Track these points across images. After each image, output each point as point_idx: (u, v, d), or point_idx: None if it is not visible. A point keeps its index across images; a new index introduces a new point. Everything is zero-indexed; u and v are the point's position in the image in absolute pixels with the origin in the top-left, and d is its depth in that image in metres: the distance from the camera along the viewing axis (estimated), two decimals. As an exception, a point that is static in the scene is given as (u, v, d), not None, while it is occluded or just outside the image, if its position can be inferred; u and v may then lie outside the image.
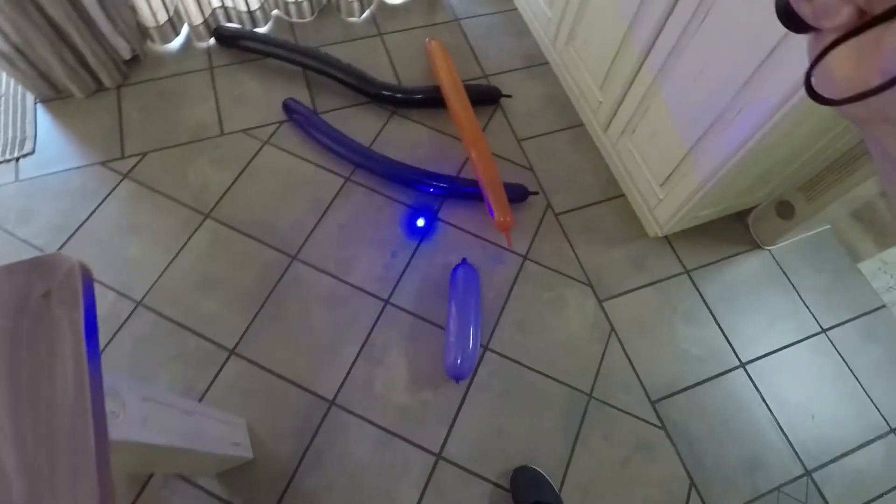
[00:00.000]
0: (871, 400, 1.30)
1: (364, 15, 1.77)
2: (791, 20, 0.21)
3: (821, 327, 1.37)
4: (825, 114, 1.02)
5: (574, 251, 1.42)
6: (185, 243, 1.34)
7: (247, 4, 1.59)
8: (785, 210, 1.37)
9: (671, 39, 1.14)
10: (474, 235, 1.42)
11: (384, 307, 1.32)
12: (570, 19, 1.51)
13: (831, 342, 1.36)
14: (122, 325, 1.23)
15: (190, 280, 1.30)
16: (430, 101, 1.57)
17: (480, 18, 1.84)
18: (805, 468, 1.21)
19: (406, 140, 1.55)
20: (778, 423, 1.25)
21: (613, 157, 1.52)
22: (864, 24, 0.18)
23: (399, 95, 1.57)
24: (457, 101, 1.51)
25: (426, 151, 1.54)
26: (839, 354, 1.34)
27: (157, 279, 1.29)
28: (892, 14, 0.17)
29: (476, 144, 1.45)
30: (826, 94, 0.21)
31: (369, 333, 1.28)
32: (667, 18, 1.15)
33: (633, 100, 1.34)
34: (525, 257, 1.41)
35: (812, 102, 0.22)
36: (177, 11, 1.55)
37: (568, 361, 1.28)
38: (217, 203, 1.40)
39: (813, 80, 0.21)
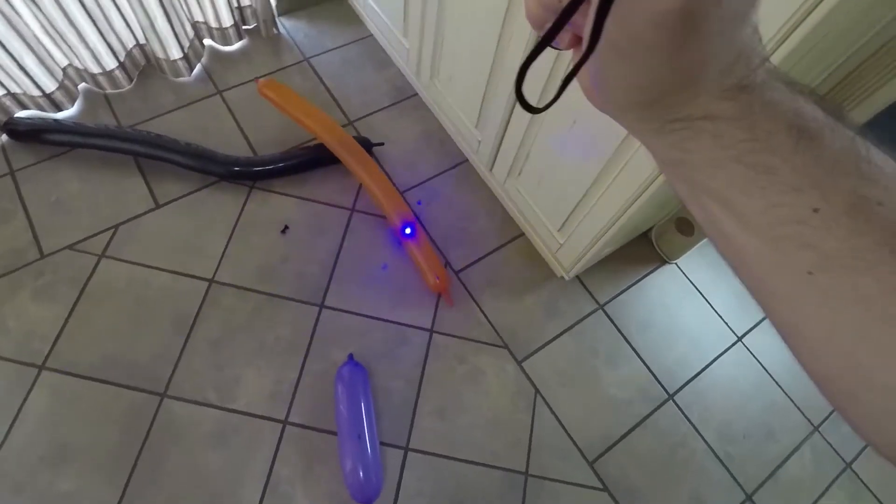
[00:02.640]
0: (793, 402, 1.30)
1: (195, 72, 1.49)
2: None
3: (736, 336, 1.36)
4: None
5: (482, 311, 1.30)
6: (20, 411, 1.08)
7: (38, 88, 1.28)
8: (684, 226, 1.32)
9: (538, 86, 1.01)
10: (370, 318, 1.26)
11: (283, 430, 1.14)
12: (430, 53, 1.34)
13: (748, 349, 1.34)
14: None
15: (34, 456, 1.05)
16: (292, 167, 1.36)
17: (333, 53, 1.62)
18: (746, 493, 1.20)
19: (273, 218, 1.34)
20: (714, 452, 1.22)
21: (504, 196, 1.40)
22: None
23: (255, 168, 1.35)
24: (332, 140, 1.33)
25: (300, 228, 1.34)
26: (757, 361, 1.34)
27: (-11, 470, 1.03)
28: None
29: (375, 183, 1.33)
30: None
31: (272, 466, 1.11)
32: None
33: (513, 142, 1.21)
34: (431, 331, 1.27)
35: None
36: (-57, 113, 1.22)
37: (497, 440, 1.18)
38: (52, 348, 1.14)
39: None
